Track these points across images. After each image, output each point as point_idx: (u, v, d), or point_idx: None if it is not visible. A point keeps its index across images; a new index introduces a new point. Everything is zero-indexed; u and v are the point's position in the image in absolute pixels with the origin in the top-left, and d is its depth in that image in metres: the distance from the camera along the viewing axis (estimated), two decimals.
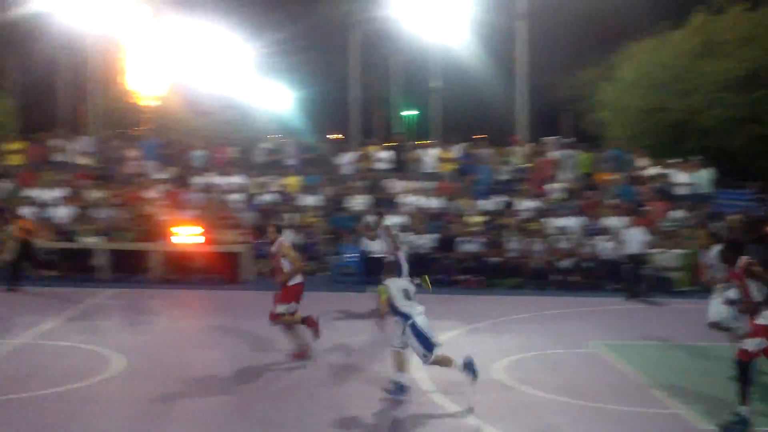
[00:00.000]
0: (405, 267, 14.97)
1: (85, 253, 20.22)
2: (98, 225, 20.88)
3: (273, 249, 11.98)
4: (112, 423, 8.89)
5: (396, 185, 23.43)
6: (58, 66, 41.32)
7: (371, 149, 25.32)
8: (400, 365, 9.86)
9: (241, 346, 12.72)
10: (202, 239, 20.01)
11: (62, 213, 21.47)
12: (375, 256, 17.76)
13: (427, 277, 15.60)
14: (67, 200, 21.92)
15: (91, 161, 25.03)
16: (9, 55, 46.31)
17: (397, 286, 10.02)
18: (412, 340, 9.71)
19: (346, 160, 24.99)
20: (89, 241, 20.32)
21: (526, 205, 21.85)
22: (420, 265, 19.50)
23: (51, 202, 21.97)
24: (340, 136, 39.51)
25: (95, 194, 22.37)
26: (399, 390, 9.79)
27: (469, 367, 9.91)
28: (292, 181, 23.88)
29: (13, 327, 13.85)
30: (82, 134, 27.07)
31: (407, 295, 9.96)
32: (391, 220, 20.19)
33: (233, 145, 26.44)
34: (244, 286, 19.27)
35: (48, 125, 31.99)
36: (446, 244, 20.46)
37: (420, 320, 9.78)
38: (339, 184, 23.93)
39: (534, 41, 31.38)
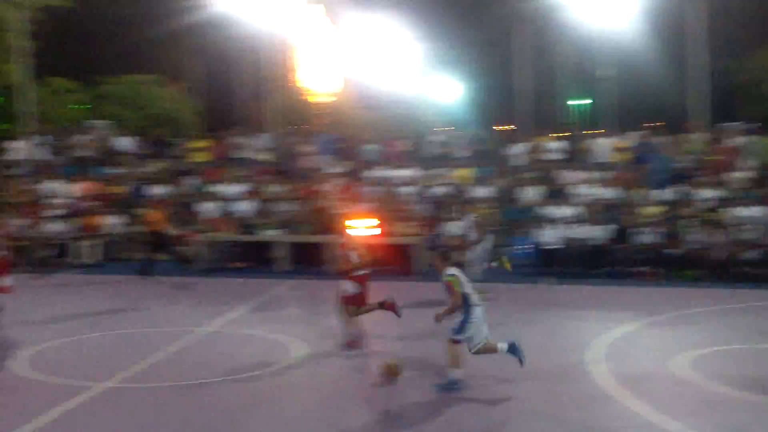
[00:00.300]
0: (485, 255, 16.18)
1: (266, 246, 21.06)
2: (278, 218, 21.71)
3: (343, 241, 12.51)
4: (297, 407, 9.28)
5: (568, 176, 23.06)
6: (238, 67, 43.13)
7: (542, 140, 25.01)
8: (455, 361, 9.73)
9: (413, 335, 12.91)
10: (377, 231, 20.40)
11: (244, 207, 22.44)
12: (549, 247, 17.60)
13: (504, 258, 15.66)
14: (248, 195, 22.90)
15: (270, 157, 26.01)
16: (194, 59, 48.79)
17: (459, 273, 9.93)
18: (462, 320, 9.71)
19: (517, 151, 24.79)
20: (269, 233, 21.12)
21: (706, 194, 20.98)
22: (594, 256, 19.21)
23: (234, 196, 23.01)
24: (509, 126, 39.20)
25: (274, 189, 23.23)
26: (454, 386, 9.66)
27: (513, 350, 9.92)
28: (464, 173, 23.96)
29: (203, 316, 14.63)
30: (261, 131, 28.15)
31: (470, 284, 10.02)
32: (563, 210, 20.00)
33: (405, 138, 26.79)
34: (416, 277, 19.51)
35: (230, 124, 33.45)
36: (621, 235, 19.97)
37: (478, 311, 9.77)
38: (510, 175, 23.79)
39: (709, 21, 30.08)
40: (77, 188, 23.81)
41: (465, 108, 48.12)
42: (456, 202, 21.99)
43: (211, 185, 23.79)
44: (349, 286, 12.02)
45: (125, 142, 26.67)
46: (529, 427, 8.54)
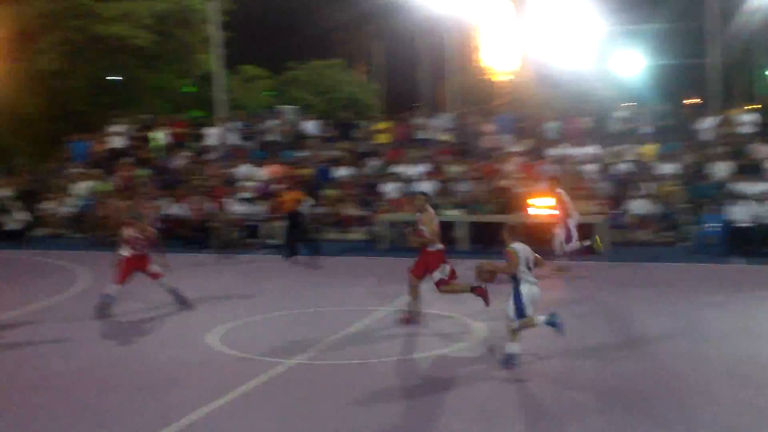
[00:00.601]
0: (574, 234, 16.42)
1: (447, 226, 21.23)
2: (458, 198, 21.86)
3: (418, 216, 12.54)
4: (484, 386, 9.39)
5: (761, 150, 21.90)
6: (419, 48, 43.52)
7: (733, 113, 23.86)
8: (513, 336, 10.06)
9: (594, 318, 12.73)
10: (557, 211, 20.15)
11: (425, 187, 22.71)
12: (739, 225, 16.86)
13: (598, 238, 15.03)
14: (429, 175, 23.17)
15: (450, 137, 26.20)
16: (376, 42, 49.65)
17: (522, 250, 10.17)
18: (510, 301, 10.04)
19: (706, 125, 23.78)
20: (450, 213, 21.28)
21: None
22: None
23: (415, 177, 23.35)
24: (697, 100, 37.52)
25: (455, 169, 23.39)
26: (512, 360, 9.95)
27: (553, 321, 10.09)
28: (648, 149, 23.24)
29: (386, 295, 14.98)
30: (442, 112, 28.39)
31: (527, 264, 10.16)
32: (756, 187, 19.05)
33: (586, 115, 26.27)
34: (599, 257, 19.13)
35: (411, 105, 33.90)
36: None
37: (526, 289, 10.01)
38: (698, 150, 22.87)
39: None
40: (265, 171, 24.88)
41: (649, 83, 46.40)
42: (640, 179, 21.40)
43: (392, 166, 24.24)
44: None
45: (311, 126, 27.59)
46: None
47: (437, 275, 12.36)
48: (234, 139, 27.74)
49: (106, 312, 13.53)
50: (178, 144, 28.06)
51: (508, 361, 9.99)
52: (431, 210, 12.97)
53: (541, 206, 20.26)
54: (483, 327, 12.02)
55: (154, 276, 14.02)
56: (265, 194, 23.68)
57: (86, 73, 37.77)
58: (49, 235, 25.16)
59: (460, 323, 12.47)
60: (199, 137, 28.45)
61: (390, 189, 22.92)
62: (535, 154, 23.89)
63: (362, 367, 10.20)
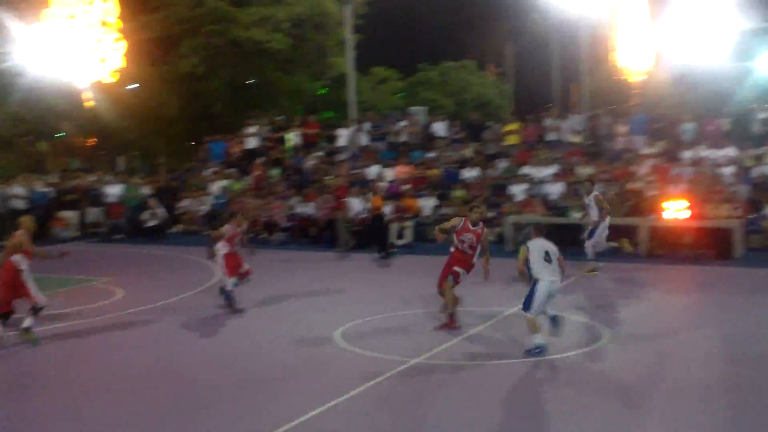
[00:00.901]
0: (604, 234, 16.94)
1: (575, 228, 20.89)
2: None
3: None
4: (603, 391, 9.25)
5: None
6: (550, 49, 43.00)
7: None
8: (533, 329, 10.65)
9: (729, 325, 12.33)
10: (689, 214, 19.58)
11: (554, 189, 22.46)
12: None
13: (626, 240, 15.86)
14: (558, 177, 22.88)
15: (581, 138, 25.78)
16: (506, 43, 49.33)
17: (538, 246, 10.79)
18: (528, 294, 10.68)
19: None
20: (579, 216, 20.90)
21: None
22: None
23: (544, 179, 23.11)
24: None
25: (585, 170, 23.01)
26: (538, 351, 10.52)
27: (542, 350, 10.49)
28: None
29: (511, 297, 14.89)
30: (573, 112, 27.98)
31: (547, 257, 10.71)
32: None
33: (725, 116, 25.33)
34: (736, 262, 18.48)
35: (541, 106, 33.54)
36: None
37: (542, 285, 10.60)
38: None
39: None
40: (393, 172, 25.12)
41: None
42: None
43: (521, 168, 24.05)
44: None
45: (440, 127, 27.67)
46: None
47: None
48: (364, 140, 28.14)
49: (235, 306, 14.03)
50: (310, 145, 28.68)
51: (535, 350, 10.56)
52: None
53: (677, 209, 19.72)
54: (608, 332, 11.79)
55: (246, 273, 14.38)
56: (393, 195, 23.92)
57: (224, 75, 39.11)
58: (186, 232, 26.17)
59: (582, 326, 12.28)
60: (331, 138, 29.00)
61: (518, 191, 22.75)
62: (670, 156, 23.22)
63: (483, 368, 10.21)
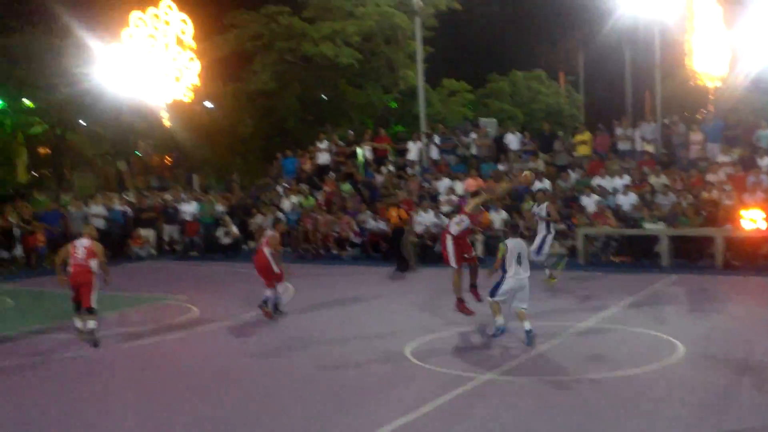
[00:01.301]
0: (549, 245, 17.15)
1: (649, 239, 20.64)
2: (661, 211, 21.17)
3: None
4: (677, 408, 9.11)
5: None
6: (623, 56, 42.42)
7: None
8: (495, 312, 12.47)
9: None
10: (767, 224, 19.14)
11: (626, 200, 22.16)
12: None
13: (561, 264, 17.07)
14: (630, 187, 22.58)
15: (654, 147, 25.41)
16: (576, 52, 48.82)
17: (512, 246, 12.15)
18: (496, 283, 12.31)
19: None
20: (652, 227, 20.66)
21: None
22: None
23: (616, 189, 22.83)
24: None
25: (658, 180, 22.68)
26: (499, 332, 12.47)
27: (501, 331, 12.43)
28: None
29: (583, 311, 14.81)
30: (646, 121, 27.59)
31: (519, 259, 12.07)
32: None
33: None
34: None
35: (612, 115, 33.13)
36: None
37: (509, 279, 12.10)
38: None
39: None
40: (463, 185, 25.10)
41: None
42: None
43: (593, 178, 23.81)
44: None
45: (510, 139, 27.56)
46: None
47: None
48: (434, 153, 28.21)
49: (279, 310, 15.22)
50: (380, 159, 28.87)
51: (495, 333, 12.51)
52: None
53: (753, 219, 19.30)
54: (681, 346, 11.61)
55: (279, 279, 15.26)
56: (461, 208, 23.87)
57: (296, 91, 39.67)
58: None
59: (659, 341, 12.11)
60: (401, 152, 29.13)
61: (589, 202, 22.52)
62: (746, 164, 22.72)
63: (555, 383, 10.16)
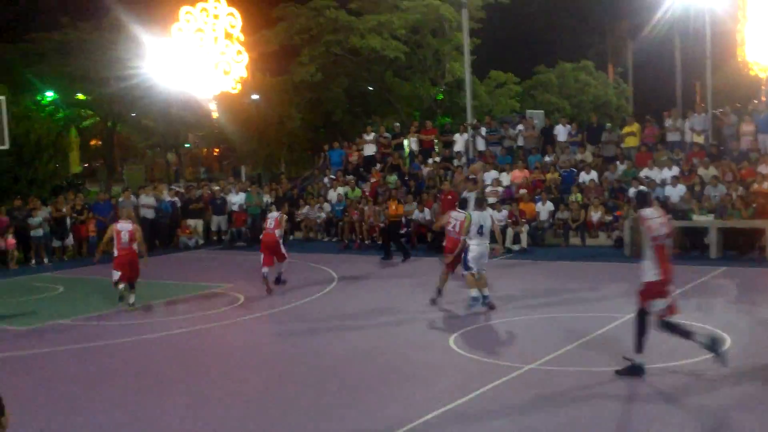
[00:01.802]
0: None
1: (697, 231, 20.40)
2: (710, 203, 20.90)
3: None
4: (721, 400, 9.06)
5: None
6: (673, 45, 41.89)
7: None
8: (469, 284, 13.91)
9: None
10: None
11: (675, 192, 21.91)
12: None
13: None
14: (679, 179, 22.31)
15: (703, 139, 25.07)
16: (625, 43, 48.25)
17: (476, 217, 13.91)
18: (464, 258, 13.92)
19: None
20: (701, 219, 20.40)
21: None
22: None
23: (664, 181, 22.58)
24: None
25: (707, 172, 22.40)
26: (474, 302, 13.89)
27: (476, 301, 13.87)
28: None
29: (625, 302, 14.61)
30: (695, 112, 27.29)
31: (480, 230, 13.87)
32: None
33: None
34: None
35: (661, 106, 32.74)
36: None
37: (473, 248, 13.82)
38: None
39: None
40: (509, 176, 25.03)
41: None
42: None
43: (641, 170, 23.58)
44: None
45: (557, 130, 27.39)
46: None
47: None
48: (481, 145, 28.15)
49: (282, 281, 17.42)
50: (426, 150, 28.88)
51: (470, 304, 13.87)
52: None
53: None
54: (727, 338, 11.48)
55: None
56: (508, 199, 23.86)
57: (342, 84, 39.82)
58: (305, 239, 26.78)
59: (708, 334, 11.97)
60: (447, 144, 29.12)
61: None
62: None
63: (597, 374, 10.11)
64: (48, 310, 16.19)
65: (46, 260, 23.76)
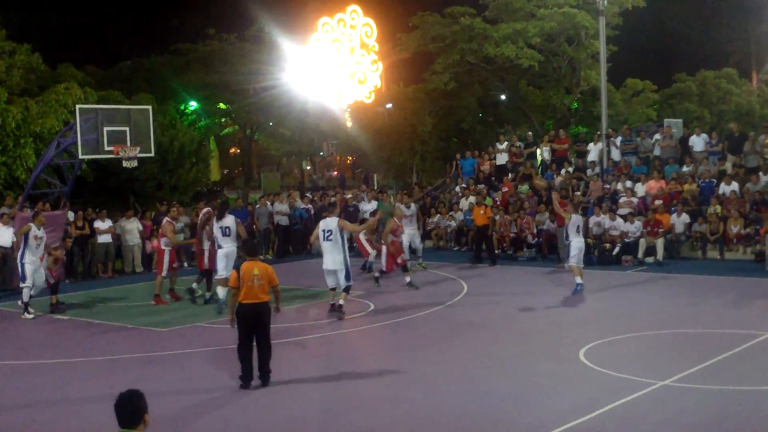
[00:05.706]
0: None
1: None
2: None
3: None
4: None
5: None
6: None
7: None
8: (575, 272, 16.98)
9: None
10: None
11: None
12: None
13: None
14: None
15: None
16: None
17: (574, 218, 17.02)
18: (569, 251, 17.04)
19: None
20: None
21: None
22: None
23: None
24: None
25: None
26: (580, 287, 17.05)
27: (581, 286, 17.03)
28: None
29: (760, 320, 14.16)
30: None
31: (577, 230, 17.00)
32: None
33: None
34: None
35: None
36: None
37: (574, 246, 16.88)
38: None
39: None
40: (644, 187, 24.45)
41: None
42: None
43: None
44: None
45: (696, 140, 26.58)
46: None
47: None
48: (615, 154, 27.61)
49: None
50: (559, 160, 28.55)
51: (578, 290, 17.15)
52: None
53: None
54: None
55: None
56: (643, 210, 23.33)
57: (476, 92, 39.79)
58: (436, 247, 26.94)
59: None
60: (581, 153, 28.68)
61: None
62: None
63: (733, 394, 9.83)
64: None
65: (185, 264, 24.69)
